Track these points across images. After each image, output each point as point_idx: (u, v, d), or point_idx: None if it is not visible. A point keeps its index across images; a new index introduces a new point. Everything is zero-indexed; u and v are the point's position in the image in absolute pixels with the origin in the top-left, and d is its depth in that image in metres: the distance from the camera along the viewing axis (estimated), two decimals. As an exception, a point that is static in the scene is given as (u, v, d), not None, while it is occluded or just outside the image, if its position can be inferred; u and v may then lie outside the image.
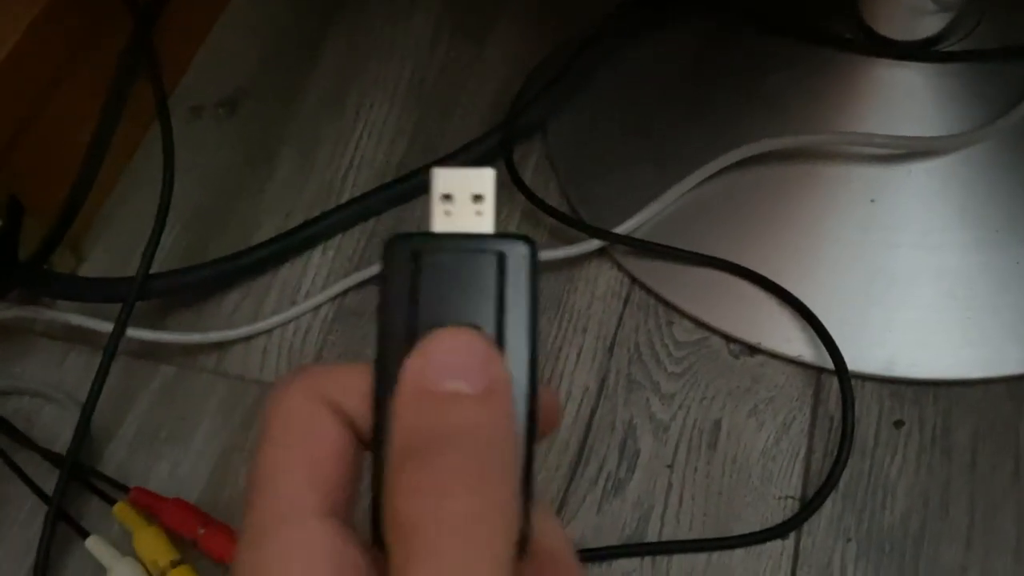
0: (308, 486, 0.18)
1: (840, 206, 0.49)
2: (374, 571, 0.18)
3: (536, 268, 0.20)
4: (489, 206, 0.20)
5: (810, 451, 0.46)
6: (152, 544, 0.45)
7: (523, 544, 0.19)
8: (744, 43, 0.54)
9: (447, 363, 0.18)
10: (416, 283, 0.20)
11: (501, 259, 0.20)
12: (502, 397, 0.19)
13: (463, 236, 0.20)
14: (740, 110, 0.52)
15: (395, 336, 0.19)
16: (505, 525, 0.17)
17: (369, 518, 0.19)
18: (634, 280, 0.51)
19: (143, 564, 0.45)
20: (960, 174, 0.49)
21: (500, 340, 0.19)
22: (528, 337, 0.20)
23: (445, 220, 0.20)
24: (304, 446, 0.19)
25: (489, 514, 0.17)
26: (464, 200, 0.20)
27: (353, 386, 0.19)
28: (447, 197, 0.20)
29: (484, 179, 0.21)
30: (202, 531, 0.45)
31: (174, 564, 0.44)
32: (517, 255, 0.20)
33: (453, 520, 0.17)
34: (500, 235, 0.20)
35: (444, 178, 0.21)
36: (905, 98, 0.50)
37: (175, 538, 0.45)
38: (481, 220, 0.20)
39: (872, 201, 0.49)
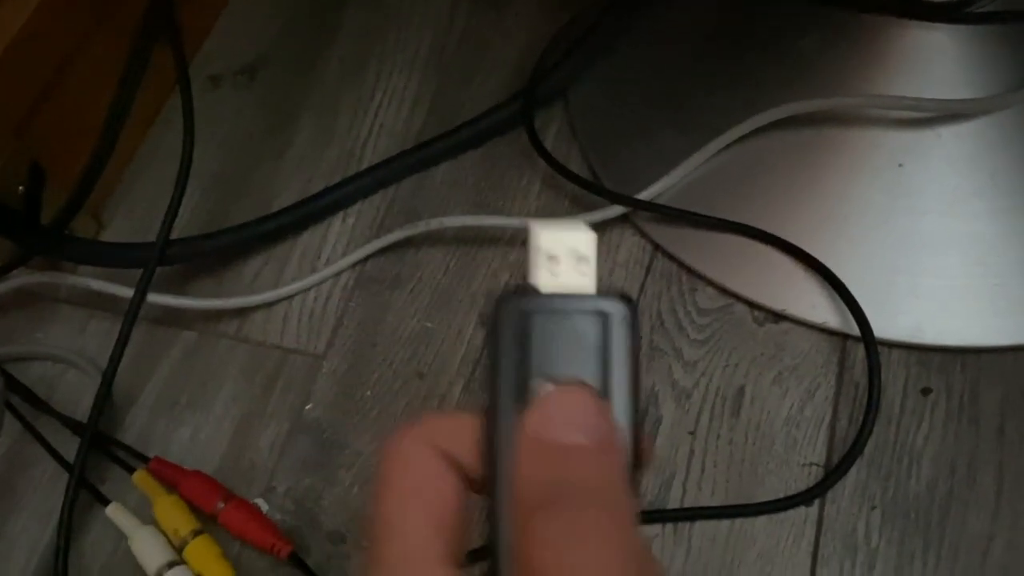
0: (435, 534, 0.19)
1: (868, 171, 0.48)
2: None
3: (637, 325, 0.21)
4: (591, 268, 0.21)
5: (835, 418, 0.45)
6: (173, 513, 0.45)
7: None
8: (770, 6, 0.53)
9: (565, 417, 0.20)
10: (526, 340, 0.21)
11: (605, 318, 0.21)
12: (616, 448, 0.20)
13: (569, 296, 0.21)
14: (765, 74, 0.51)
15: (506, 390, 0.21)
16: (635, 571, 0.18)
17: (487, 565, 0.20)
18: (657, 247, 0.50)
19: (163, 532, 0.45)
20: (990, 138, 0.48)
21: (605, 394, 0.20)
22: (630, 390, 0.21)
23: (551, 280, 0.21)
24: (427, 494, 0.20)
25: (620, 561, 0.18)
26: (569, 260, 0.21)
27: (462, 435, 0.20)
28: (551, 258, 0.21)
29: (588, 242, 0.22)
30: (221, 505, 0.45)
31: (195, 533, 0.44)
32: (619, 314, 0.21)
33: (588, 566, 0.18)
34: (602, 295, 0.21)
35: (547, 237, 0.22)
36: (935, 61, 0.49)
37: (193, 509, 0.46)
38: (584, 281, 0.21)
39: (900, 166, 0.48)
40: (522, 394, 0.20)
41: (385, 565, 0.19)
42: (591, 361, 0.21)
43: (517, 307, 0.21)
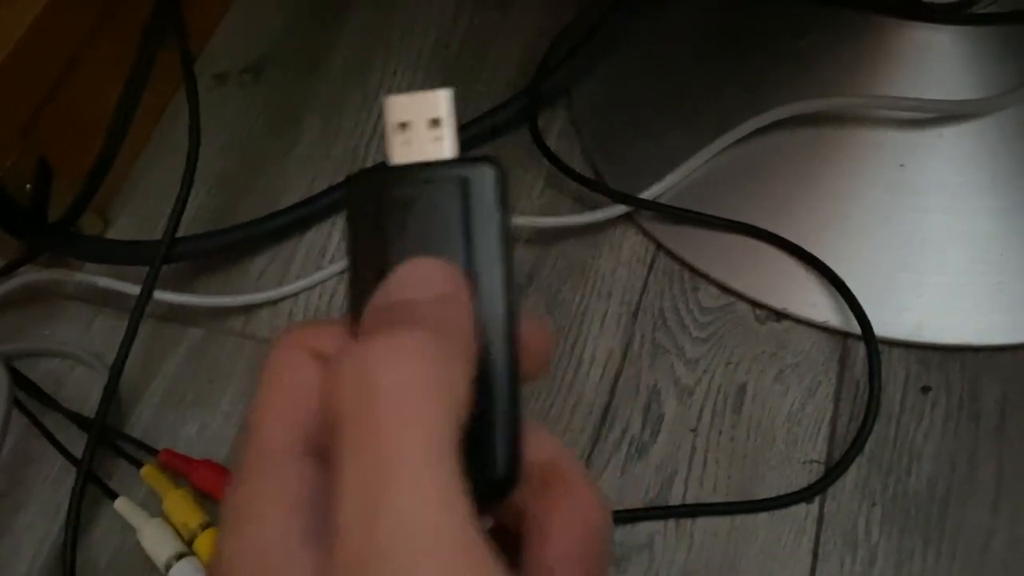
0: (289, 428, 0.19)
1: (869, 171, 0.49)
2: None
3: (506, 190, 0.19)
4: (448, 130, 0.19)
5: (836, 416, 0.45)
6: (182, 507, 0.45)
7: (515, 465, 0.19)
8: (772, 5, 0.53)
9: (408, 281, 0.19)
10: (380, 222, 0.19)
11: (464, 185, 0.19)
12: (462, 297, 0.18)
13: (423, 165, 0.19)
14: (768, 73, 0.52)
15: (364, 280, 0.19)
16: (449, 400, 0.17)
17: None
18: (659, 245, 0.51)
19: (172, 526, 0.45)
20: (992, 138, 0.48)
21: (470, 268, 0.19)
22: (501, 263, 0.19)
23: (403, 150, 0.19)
24: (287, 392, 0.19)
25: (430, 387, 0.17)
26: (421, 126, 0.19)
27: (334, 335, 0.20)
28: (403, 126, 0.19)
29: (439, 101, 0.20)
30: (237, 491, 0.45)
31: (203, 527, 0.45)
32: (482, 179, 0.19)
33: (392, 391, 0.17)
34: (462, 160, 0.19)
35: (398, 105, 0.20)
36: (936, 61, 0.49)
37: (203, 499, 0.46)
38: (440, 146, 0.19)
39: (902, 166, 0.48)
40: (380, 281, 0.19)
41: (242, 459, 0.19)
42: (452, 236, 0.19)
43: (369, 186, 0.19)
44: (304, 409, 0.19)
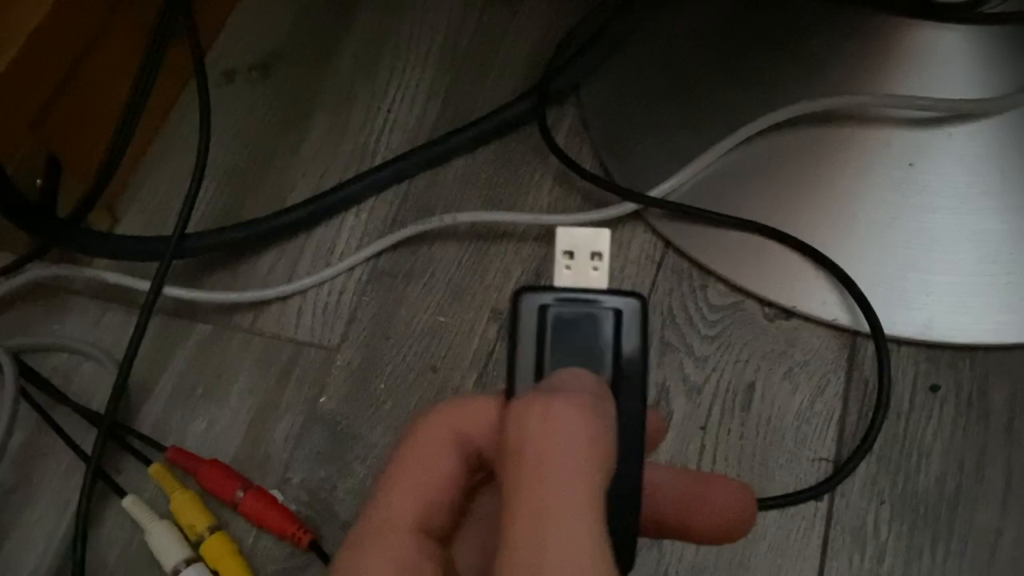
0: (413, 504, 0.20)
1: (878, 170, 0.49)
2: None
3: (647, 321, 0.22)
4: (606, 264, 0.23)
5: (844, 414, 0.46)
6: (189, 509, 0.45)
7: (631, 553, 0.22)
8: (782, 4, 0.53)
9: (567, 380, 0.21)
10: (543, 333, 0.22)
11: (618, 315, 0.22)
12: (610, 396, 0.21)
13: (583, 291, 0.22)
14: (777, 72, 0.52)
15: (524, 380, 0.22)
16: (607, 461, 0.19)
17: None
18: (668, 243, 0.51)
19: (179, 527, 0.45)
20: (1001, 137, 0.48)
21: (616, 381, 0.22)
22: (640, 380, 0.22)
23: (566, 274, 0.23)
24: (419, 469, 0.21)
25: (597, 442, 0.19)
26: (584, 256, 0.23)
27: (482, 415, 0.21)
28: (569, 253, 0.23)
29: (602, 238, 0.23)
30: (241, 494, 0.45)
31: (211, 530, 0.45)
32: (632, 311, 0.22)
33: (560, 441, 0.19)
34: (614, 291, 0.22)
35: (567, 236, 0.23)
36: (946, 60, 0.49)
37: (210, 499, 0.46)
38: (598, 275, 0.23)
39: (911, 165, 0.48)
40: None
41: (360, 524, 0.20)
42: (603, 355, 0.22)
43: (534, 301, 0.22)
44: (434, 489, 0.21)
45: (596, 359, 0.22)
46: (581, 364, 0.21)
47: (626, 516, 0.22)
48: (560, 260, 0.23)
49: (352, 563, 0.20)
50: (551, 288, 0.23)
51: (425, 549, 0.20)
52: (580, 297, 0.22)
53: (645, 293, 0.50)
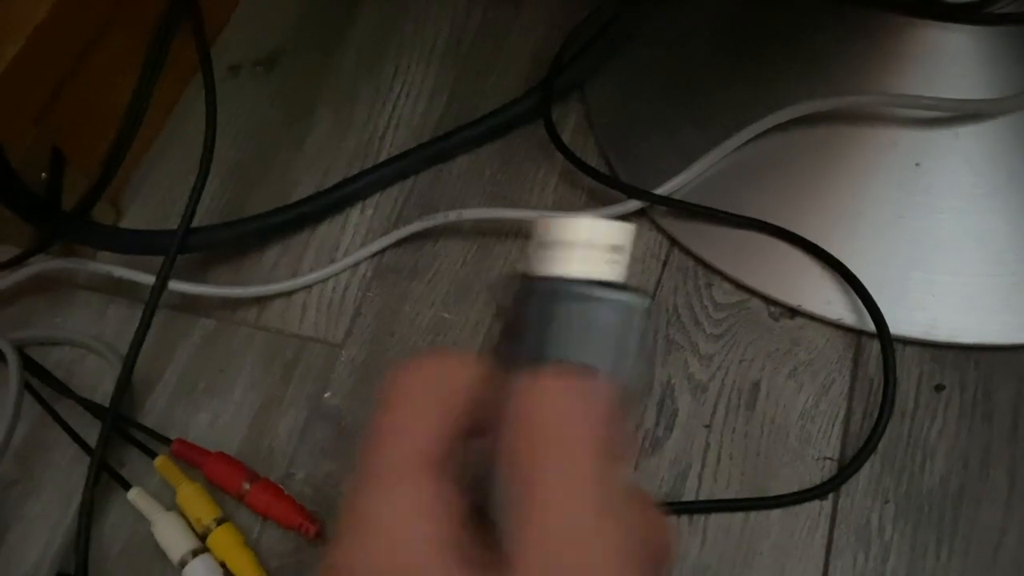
0: (425, 444, 0.20)
1: (884, 169, 0.49)
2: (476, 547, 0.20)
3: (651, 319, 0.22)
4: (624, 259, 0.22)
5: (849, 413, 0.46)
6: (196, 501, 0.45)
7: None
8: (789, 2, 0.53)
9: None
10: (548, 320, 0.21)
11: (628, 311, 0.22)
12: (617, 417, 0.20)
13: (595, 283, 0.22)
14: (784, 71, 0.52)
15: (516, 361, 0.21)
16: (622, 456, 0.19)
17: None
18: (673, 242, 0.51)
19: (186, 519, 0.45)
20: (1008, 138, 0.48)
21: (615, 375, 0.21)
22: (642, 378, 0.22)
23: (581, 266, 0.22)
24: (430, 409, 0.20)
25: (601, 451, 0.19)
26: (601, 248, 0.22)
27: (468, 374, 0.21)
28: (586, 244, 0.22)
29: (625, 232, 0.22)
30: (247, 486, 0.45)
31: (218, 522, 0.45)
32: (641, 307, 0.22)
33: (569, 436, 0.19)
34: (626, 287, 0.22)
35: (588, 226, 0.22)
36: (953, 60, 0.49)
37: (216, 491, 0.46)
38: (613, 269, 0.22)
39: (917, 165, 0.48)
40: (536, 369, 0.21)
41: (371, 468, 0.20)
42: (606, 346, 0.21)
43: (545, 286, 0.22)
44: (448, 431, 0.20)
45: (599, 354, 0.21)
46: (583, 357, 0.21)
47: None
48: (576, 250, 0.22)
49: (373, 506, 0.19)
50: (564, 278, 0.22)
51: (443, 491, 0.20)
52: (593, 288, 0.22)
53: (650, 291, 0.50)
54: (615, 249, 0.22)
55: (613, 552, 0.18)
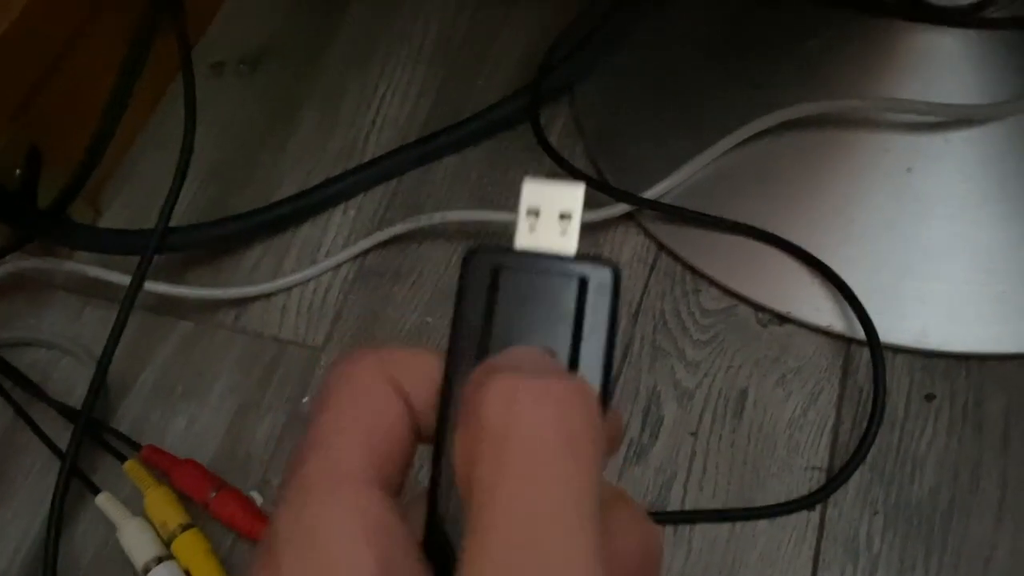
0: (362, 453, 0.18)
1: (876, 175, 0.48)
2: (414, 555, 0.18)
3: (618, 296, 0.19)
4: (575, 227, 0.20)
5: (838, 422, 0.45)
6: (162, 506, 0.44)
7: None
8: (780, 6, 0.53)
9: (518, 358, 0.18)
10: (493, 301, 0.19)
11: (583, 284, 0.19)
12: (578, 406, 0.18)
13: (546, 256, 0.19)
14: (774, 75, 0.51)
15: (466, 353, 0.19)
16: (599, 463, 0.17)
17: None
18: (661, 246, 0.50)
19: (152, 525, 0.44)
20: (1000, 144, 0.47)
21: (574, 366, 0.19)
22: (602, 366, 0.19)
23: (528, 236, 0.20)
24: (364, 415, 0.18)
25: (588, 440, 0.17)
26: (551, 217, 0.20)
27: (417, 371, 0.19)
28: (533, 212, 0.20)
29: (573, 195, 0.20)
30: (214, 495, 0.44)
31: (183, 528, 0.43)
32: (600, 281, 0.19)
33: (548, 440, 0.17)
34: (582, 257, 0.19)
35: (533, 191, 0.20)
36: (946, 65, 0.48)
37: (185, 499, 0.45)
38: (565, 240, 0.20)
39: (909, 170, 0.48)
40: (482, 359, 0.19)
41: (304, 476, 0.18)
42: (562, 330, 0.19)
43: (487, 264, 0.19)
44: (383, 438, 0.18)
45: (551, 334, 0.19)
46: (533, 339, 0.19)
47: None
48: (524, 219, 0.20)
49: (305, 521, 0.17)
50: (509, 250, 0.20)
51: (387, 503, 0.18)
52: (542, 263, 0.19)
53: (637, 296, 0.49)
54: (565, 216, 0.20)
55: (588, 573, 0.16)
